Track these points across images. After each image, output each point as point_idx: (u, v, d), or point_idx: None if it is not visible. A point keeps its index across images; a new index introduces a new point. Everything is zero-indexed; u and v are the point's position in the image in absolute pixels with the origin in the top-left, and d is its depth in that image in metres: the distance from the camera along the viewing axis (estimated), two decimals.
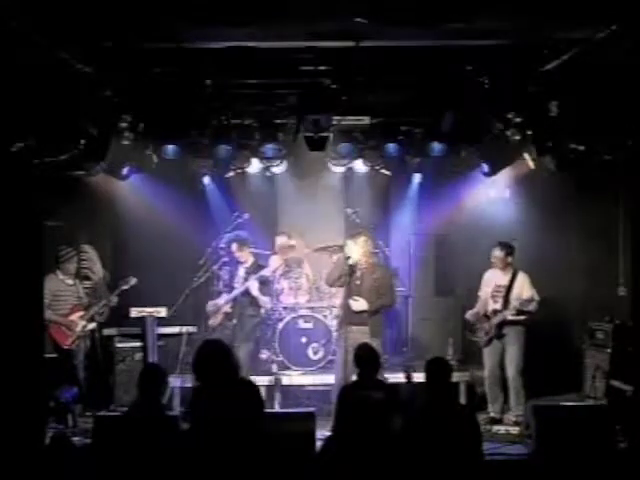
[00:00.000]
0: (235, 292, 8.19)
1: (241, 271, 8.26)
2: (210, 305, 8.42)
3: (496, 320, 7.82)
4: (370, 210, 9.87)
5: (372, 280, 7.51)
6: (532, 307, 7.72)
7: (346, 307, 7.47)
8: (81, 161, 7.12)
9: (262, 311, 8.44)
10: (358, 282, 7.51)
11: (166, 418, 5.47)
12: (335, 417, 5.83)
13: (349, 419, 4.96)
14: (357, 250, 7.48)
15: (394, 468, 4.70)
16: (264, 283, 8.18)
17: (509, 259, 7.98)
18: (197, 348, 5.12)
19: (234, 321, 8.13)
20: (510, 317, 7.78)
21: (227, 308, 8.19)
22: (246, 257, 8.30)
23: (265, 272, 8.14)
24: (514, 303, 7.76)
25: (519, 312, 7.77)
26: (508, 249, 7.98)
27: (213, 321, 8.26)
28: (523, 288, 7.85)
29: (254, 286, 8.09)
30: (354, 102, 7.65)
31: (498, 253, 7.96)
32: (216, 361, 4.94)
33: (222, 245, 8.61)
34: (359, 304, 7.41)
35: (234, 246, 8.33)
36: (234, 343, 7.98)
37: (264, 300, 8.20)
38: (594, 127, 6.70)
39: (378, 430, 4.77)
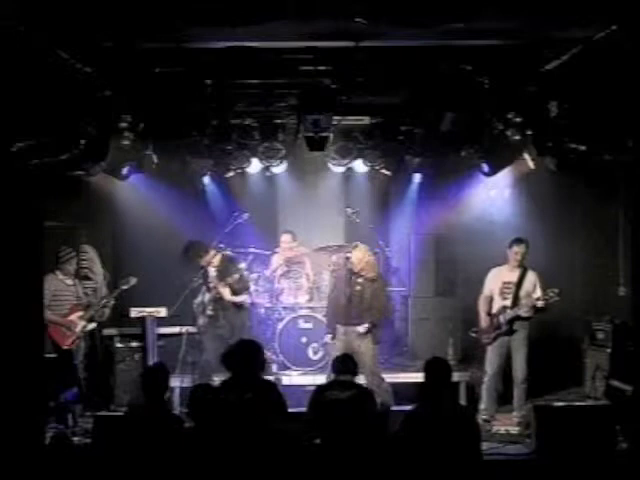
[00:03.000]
0: (208, 297, 8.21)
1: (211, 271, 8.26)
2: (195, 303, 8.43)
3: (508, 316, 7.65)
4: (370, 210, 9.89)
5: (371, 290, 7.68)
6: (552, 300, 7.55)
7: (345, 308, 7.63)
8: (81, 161, 7.12)
9: (247, 301, 8.41)
10: (359, 287, 7.67)
11: (171, 417, 5.46)
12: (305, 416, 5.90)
13: (313, 418, 5.05)
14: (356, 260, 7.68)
15: (370, 466, 4.75)
16: (234, 286, 8.15)
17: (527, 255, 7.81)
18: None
19: (222, 321, 8.14)
20: (524, 314, 7.64)
21: (209, 311, 8.20)
22: (209, 260, 8.26)
23: (230, 279, 8.09)
24: (525, 301, 7.63)
25: (535, 310, 7.63)
26: (527, 245, 7.79)
27: (202, 320, 8.27)
28: (535, 286, 7.73)
29: (225, 292, 8.13)
30: (354, 102, 7.66)
31: (520, 249, 7.72)
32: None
33: None
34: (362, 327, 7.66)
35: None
36: (229, 341, 8.00)
37: (241, 299, 8.23)
38: (594, 127, 6.69)
39: (342, 428, 4.81)
